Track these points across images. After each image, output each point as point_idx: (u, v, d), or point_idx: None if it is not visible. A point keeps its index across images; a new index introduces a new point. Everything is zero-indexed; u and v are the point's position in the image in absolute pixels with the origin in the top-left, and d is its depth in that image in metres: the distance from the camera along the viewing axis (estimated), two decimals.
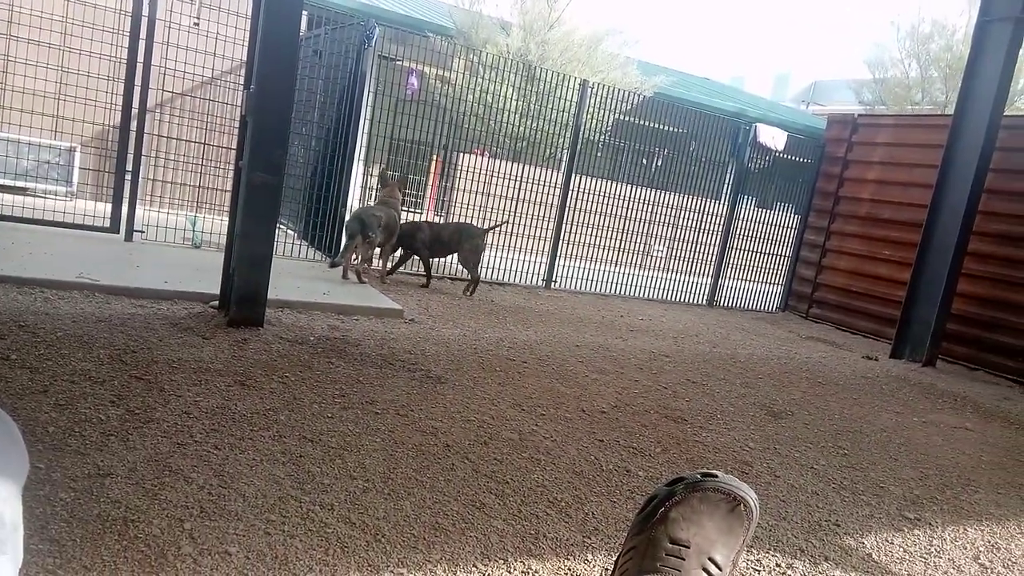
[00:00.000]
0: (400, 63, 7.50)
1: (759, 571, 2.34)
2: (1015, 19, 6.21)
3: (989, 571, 2.65)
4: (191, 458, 2.38)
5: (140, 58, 5.64)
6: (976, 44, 6.49)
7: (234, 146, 4.26)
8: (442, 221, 7.17)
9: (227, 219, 4.26)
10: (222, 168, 6.46)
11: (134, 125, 5.77)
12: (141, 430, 2.52)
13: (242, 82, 4.22)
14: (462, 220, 7.05)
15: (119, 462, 2.27)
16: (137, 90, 5.69)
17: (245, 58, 4.19)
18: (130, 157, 5.81)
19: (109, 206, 5.92)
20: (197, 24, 6.21)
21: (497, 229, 6.82)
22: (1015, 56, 6.35)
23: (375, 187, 6.82)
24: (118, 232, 5.83)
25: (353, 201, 6.93)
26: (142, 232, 5.88)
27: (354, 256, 5.86)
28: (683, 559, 0.99)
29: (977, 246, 6.70)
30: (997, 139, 6.39)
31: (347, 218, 5.97)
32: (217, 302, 4.25)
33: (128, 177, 5.80)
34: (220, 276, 4.23)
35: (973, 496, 3.39)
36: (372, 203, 6.47)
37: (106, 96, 5.95)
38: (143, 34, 5.62)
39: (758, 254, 8.77)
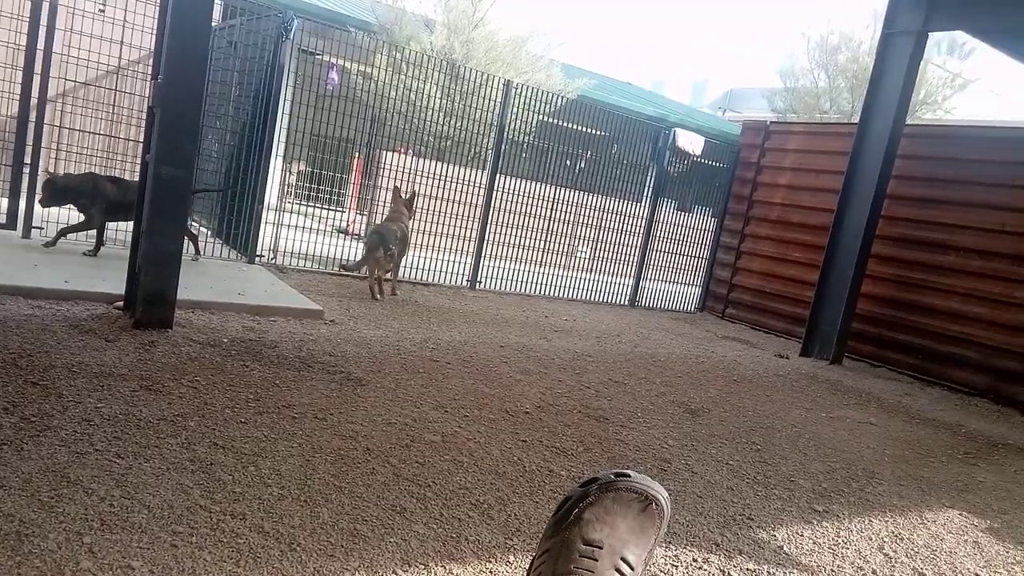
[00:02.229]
0: (320, 57, 7.34)
1: (676, 566, 2.39)
2: (916, 32, 6.55)
3: (893, 561, 2.77)
4: (91, 468, 2.25)
5: (40, 45, 5.33)
6: (880, 56, 6.82)
7: (141, 138, 4.08)
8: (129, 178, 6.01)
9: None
10: (128, 162, 6.17)
11: (33, 116, 5.45)
12: (37, 439, 2.37)
13: (150, 72, 4.04)
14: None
15: (12, 473, 2.13)
16: (37, 79, 5.37)
17: (153, 47, 4.01)
18: (28, 149, 5.49)
19: (5, 201, 5.58)
20: (102, 10, 5.91)
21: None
22: (916, 68, 6.69)
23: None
24: (15, 229, 5.51)
25: (271, 198, 6.73)
26: (41, 229, 5.55)
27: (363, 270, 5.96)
28: (596, 560, 0.99)
29: (880, 249, 7.04)
30: (899, 147, 6.73)
31: (366, 232, 6.01)
32: (122, 303, 4.05)
33: (26, 171, 5.47)
34: (125, 275, 4.04)
35: (877, 488, 3.55)
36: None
37: (3, 84, 5.60)
38: (44, 20, 5.32)
39: (677, 255, 8.98)
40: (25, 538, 1.84)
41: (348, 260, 6.26)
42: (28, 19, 5.35)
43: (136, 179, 5.74)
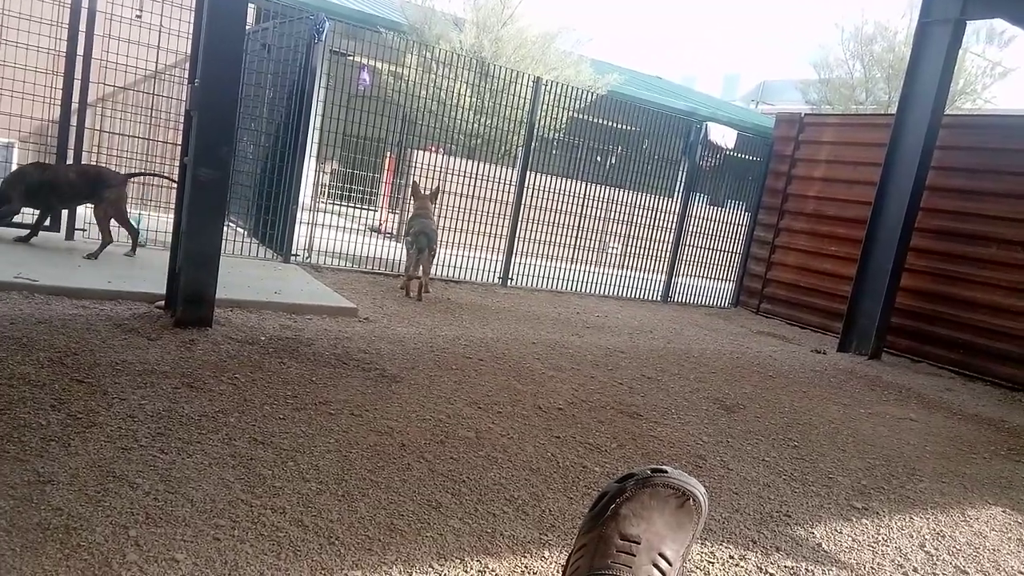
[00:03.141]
0: (352, 58, 7.41)
1: (712, 563, 2.37)
2: (954, 21, 6.41)
3: (934, 558, 2.73)
4: (136, 463, 2.30)
5: (80, 51, 5.46)
6: (916, 45, 6.68)
7: (179, 141, 4.15)
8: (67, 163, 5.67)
9: (172, 217, 4.15)
10: (167, 164, 6.29)
11: (74, 120, 5.58)
12: (83, 435, 2.43)
13: (187, 76, 4.11)
14: (100, 163, 5.92)
15: (60, 468, 2.19)
16: (77, 84, 5.50)
17: (189, 51, 4.08)
18: (70, 153, 5.62)
19: None
20: (139, 16, 6.03)
21: (141, 178, 5.88)
22: (954, 57, 6.55)
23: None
24: (59, 231, 5.64)
25: (305, 198, 6.82)
26: (84, 231, 5.69)
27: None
28: (634, 555, 0.98)
29: (919, 242, 6.91)
30: (938, 138, 6.59)
31: (411, 233, 6.00)
32: (163, 302, 4.14)
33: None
34: (166, 275, 4.12)
35: (918, 485, 3.49)
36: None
37: (44, 90, 5.74)
38: (83, 26, 5.44)
39: (710, 251, 8.90)
40: (73, 531, 1.89)
41: (400, 271, 6.37)
42: (68, 26, 5.48)
43: (67, 164, 5.59)
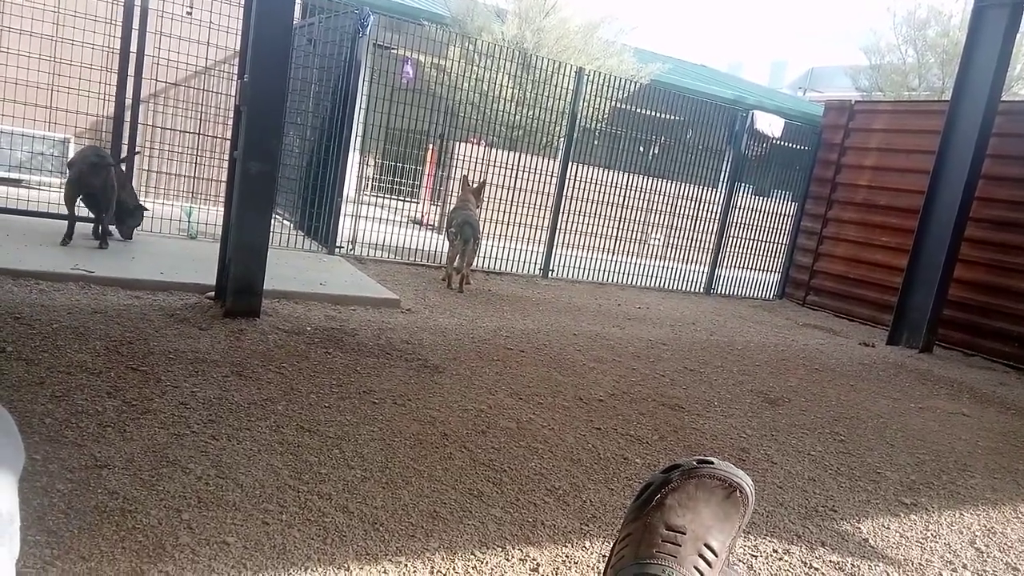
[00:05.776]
0: (395, 51, 7.47)
1: (756, 556, 2.36)
2: (1012, 4, 6.18)
3: (985, 555, 2.67)
4: (188, 449, 2.38)
5: (133, 48, 5.61)
6: (972, 30, 6.46)
7: (229, 136, 4.24)
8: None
9: (223, 209, 4.25)
10: (217, 158, 6.43)
11: (128, 115, 5.74)
12: (138, 421, 2.52)
13: (236, 71, 4.19)
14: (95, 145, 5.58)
15: (116, 453, 2.27)
16: (130, 80, 5.65)
17: (238, 47, 4.16)
18: (124, 147, 5.78)
19: None
20: (190, 13, 6.17)
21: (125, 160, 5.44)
22: (1012, 42, 6.32)
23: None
24: (113, 223, 5.80)
25: (349, 190, 6.91)
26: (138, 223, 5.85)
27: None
28: (679, 545, 0.98)
29: (973, 232, 6.70)
30: (994, 125, 6.38)
31: (455, 224, 5.98)
32: (213, 293, 4.24)
33: (123, 167, 5.77)
34: (216, 266, 4.22)
35: (969, 481, 3.40)
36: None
37: (100, 87, 5.91)
38: (136, 24, 5.59)
39: (755, 242, 8.76)
40: (128, 514, 1.96)
41: (442, 263, 6.39)
42: (121, 24, 5.63)
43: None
